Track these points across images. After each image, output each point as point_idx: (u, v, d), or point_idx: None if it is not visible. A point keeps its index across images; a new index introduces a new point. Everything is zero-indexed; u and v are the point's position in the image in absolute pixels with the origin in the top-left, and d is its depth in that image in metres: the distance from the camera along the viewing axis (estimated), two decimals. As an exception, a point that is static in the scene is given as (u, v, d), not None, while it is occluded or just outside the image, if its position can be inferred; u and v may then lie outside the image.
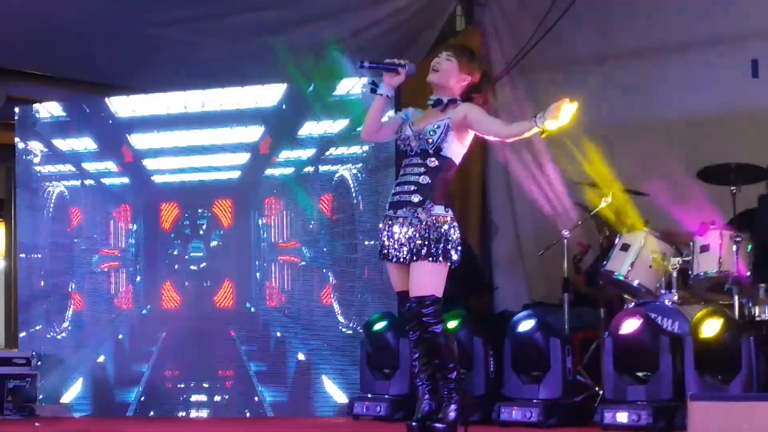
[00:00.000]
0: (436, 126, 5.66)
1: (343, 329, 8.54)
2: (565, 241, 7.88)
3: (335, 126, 8.73)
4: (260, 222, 8.99)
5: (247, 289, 9.01)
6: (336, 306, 8.64)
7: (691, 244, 7.35)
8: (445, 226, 5.60)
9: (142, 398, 9.00)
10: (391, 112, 6.23)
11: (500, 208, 9.92)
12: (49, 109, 9.52)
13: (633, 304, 7.44)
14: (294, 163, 8.90)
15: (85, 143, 9.43)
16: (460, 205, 9.18)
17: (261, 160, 8.98)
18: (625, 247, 7.52)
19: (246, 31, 9.05)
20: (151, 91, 9.23)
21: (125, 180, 9.37)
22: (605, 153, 8.17)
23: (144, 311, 9.20)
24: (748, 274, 7.12)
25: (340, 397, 8.41)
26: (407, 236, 5.61)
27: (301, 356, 8.71)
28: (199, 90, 9.04)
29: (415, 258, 5.59)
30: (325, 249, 8.73)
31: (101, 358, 9.21)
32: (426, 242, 5.57)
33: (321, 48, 8.35)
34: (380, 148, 8.40)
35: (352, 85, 8.47)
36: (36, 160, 9.53)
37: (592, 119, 8.13)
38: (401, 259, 5.64)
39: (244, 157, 9.05)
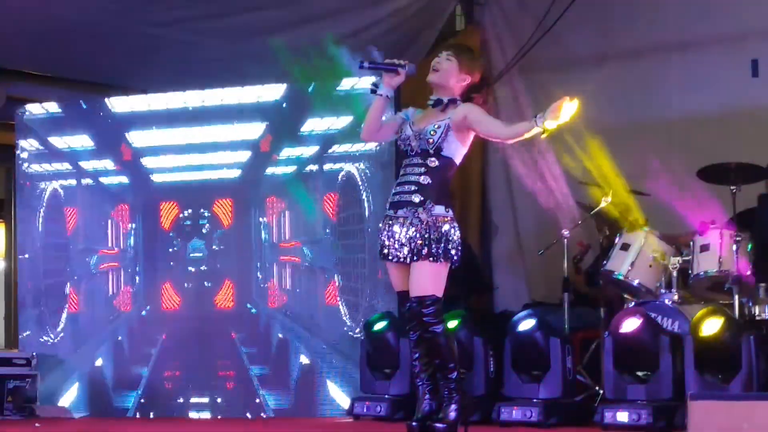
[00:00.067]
0: (436, 126, 5.66)
1: (350, 332, 8.42)
2: (565, 240, 7.88)
3: (339, 122, 8.63)
4: (261, 221, 8.93)
5: (247, 290, 8.95)
6: (343, 308, 8.55)
7: (692, 243, 7.36)
8: (446, 226, 5.60)
9: (142, 400, 8.94)
10: (391, 111, 6.23)
11: (500, 207, 9.92)
12: (46, 107, 9.47)
13: (633, 303, 7.44)
14: (296, 161, 8.82)
15: (83, 141, 9.35)
16: (460, 205, 9.18)
17: (262, 158, 8.90)
18: (625, 247, 7.53)
19: (246, 31, 9.05)
20: (151, 91, 9.22)
21: (124, 179, 9.31)
22: (605, 152, 8.18)
23: (143, 312, 9.15)
24: (749, 273, 7.12)
25: (346, 402, 8.27)
26: (408, 236, 5.61)
27: (304, 359, 8.65)
28: (199, 90, 9.02)
29: (415, 258, 5.59)
30: (329, 249, 8.65)
31: (99, 362, 9.16)
32: (426, 242, 5.57)
33: (321, 47, 8.35)
34: (391, 144, 8.31)
35: (357, 80, 8.32)
36: (35, 160, 9.49)
37: (592, 119, 8.14)
38: (402, 259, 5.64)
39: (244, 155, 8.97)
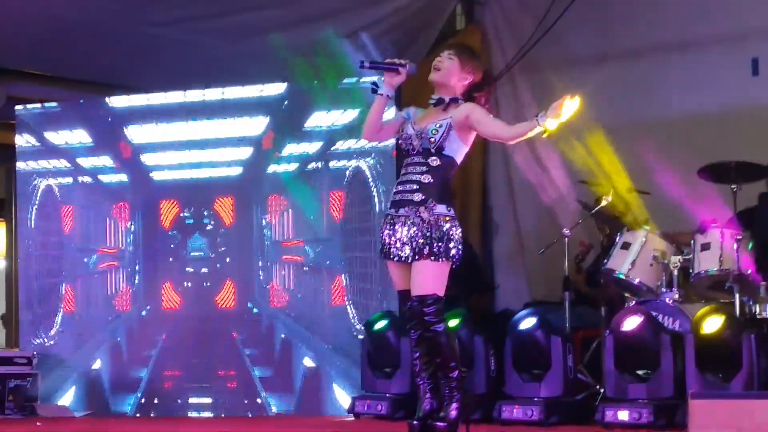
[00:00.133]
0: (438, 125, 5.66)
1: (360, 336, 8.24)
2: (566, 239, 7.88)
3: (345, 117, 8.54)
4: (263, 220, 8.85)
5: (249, 290, 8.87)
6: (351, 310, 8.46)
7: (692, 242, 7.36)
8: (447, 225, 5.60)
9: (143, 400, 8.88)
10: (392, 111, 6.23)
11: (501, 206, 9.93)
12: (44, 104, 9.42)
13: (634, 302, 7.44)
14: (299, 157, 8.72)
15: (81, 138, 9.28)
16: (461, 204, 9.17)
17: (264, 155, 8.82)
18: (626, 246, 7.53)
19: (246, 30, 9.05)
20: (152, 90, 9.21)
21: (123, 177, 9.22)
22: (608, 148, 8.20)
23: (143, 312, 9.08)
24: (749, 271, 7.12)
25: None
26: (409, 235, 5.61)
27: (308, 362, 8.57)
28: (200, 90, 9.00)
29: (417, 257, 5.59)
30: (335, 248, 8.56)
31: (97, 363, 9.09)
32: (428, 241, 5.57)
33: (322, 46, 8.35)
34: (399, 140, 8.20)
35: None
36: (32, 157, 9.41)
37: (592, 118, 8.16)
38: (403, 258, 5.64)
39: (246, 152, 8.89)
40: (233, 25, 9.03)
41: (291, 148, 8.77)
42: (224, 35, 9.08)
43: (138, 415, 8.86)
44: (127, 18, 8.79)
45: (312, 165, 8.69)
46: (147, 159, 9.15)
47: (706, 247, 7.25)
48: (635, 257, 7.47)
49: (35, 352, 8.90)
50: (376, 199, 8.35)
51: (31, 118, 9.45)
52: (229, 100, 8.91)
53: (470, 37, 9.70)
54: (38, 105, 9.46)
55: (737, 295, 7.11)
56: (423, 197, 5.61)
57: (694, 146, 8.44)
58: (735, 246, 7.12)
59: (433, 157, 5.65)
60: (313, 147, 8.70)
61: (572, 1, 9.07)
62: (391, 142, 7.97)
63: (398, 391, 7.68)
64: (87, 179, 9.31)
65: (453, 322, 7.24)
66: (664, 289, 7.36)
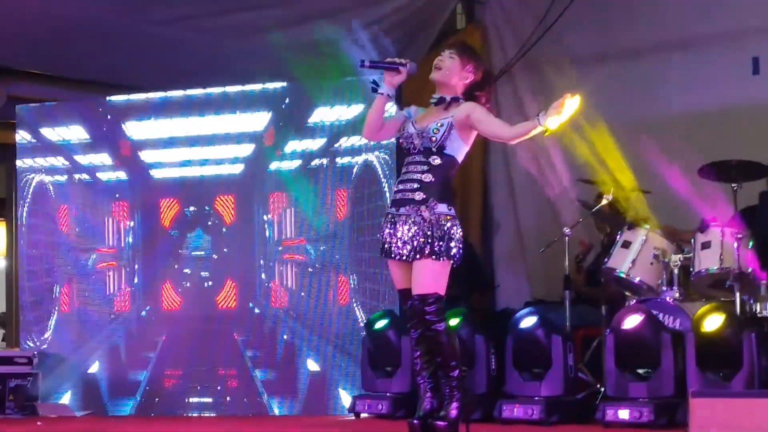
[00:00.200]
0: (439, 124, 5.66)
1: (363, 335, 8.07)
2: (566, 238, 7.88)
3: (349, 112, 8.45)
4: (264, 218, 8.77)
5: (250, 289, 8.79)
6: (359, 311, 8.36)
7: (693, 240, 7.36)
8: (448, 224, 5.60)
9: (143, 401, 8.80)
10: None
11: (501, 205, 9.93)
12: (43, 101, 9.36)
13: (634, 301, 7.44)
14: (302, 154, 8.64)
15: (80, 136, 9.20)
16: (462, 203, 9.18)
17: (266, 152, 8.74)
18: (627, 244, 7.52)
19: (246, 29, 9.05)
20: (153, 90, 9.19)
21: (122, 175, 9.14)
22: (602, 157, 8.20)
23: (143, 313, 9.00)
24: (750, 269, 7.12)
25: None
26: (410, 234, 5.61)
27: (313, 364, 8.49)
28: (201, 89, 8.96)
29: (418, 256, 5.59)
30: (340, 246, 8.47)
31: (95, 366, 9.00)
32: (429, 240, 5.57)
33: (322, 45, 8.34)
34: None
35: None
36: (29, 153, 9.33)
37: (593, 117, 8.16)
38: (404, 257, 5.64)
39: (247, 149, 8.80)
40: (233, 24, 9.03)
41: (293, 145, 8.67)
42: (224, 34, 9.08)
43: (137, 417, 8.80)
44: (128, 17, 8.79)
45: (315, 162, 8.61)
46: (146, 156, 9.06)
47: (706, 245, 7.25)
48: (636, 256, 7.47)
49: (35, 352, 8.88)
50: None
51: (31, 116, 9.39)
52: (229, 95, 8.82)
53: (470, 36, 9.71)
54: (40, 107, 9.44)
55: (738, 294, 7.10)
56: (424, 196, 5.61)
57: (695, 145, 8.44)
58: (735, 244, 7.12)
59: (434, 156, 5.65)
60: (316, 143, 8.60)
61: (572, 0, 9.07)
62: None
63: (399, 390, 7.67)
64: (85, 177, 9.22)
65: (453, 321, 7.24)
66: (664, 288, 7.35)
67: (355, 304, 8.43)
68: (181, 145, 8.97)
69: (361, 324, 8.29)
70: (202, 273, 8.91)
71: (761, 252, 7.20)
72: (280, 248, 8.75)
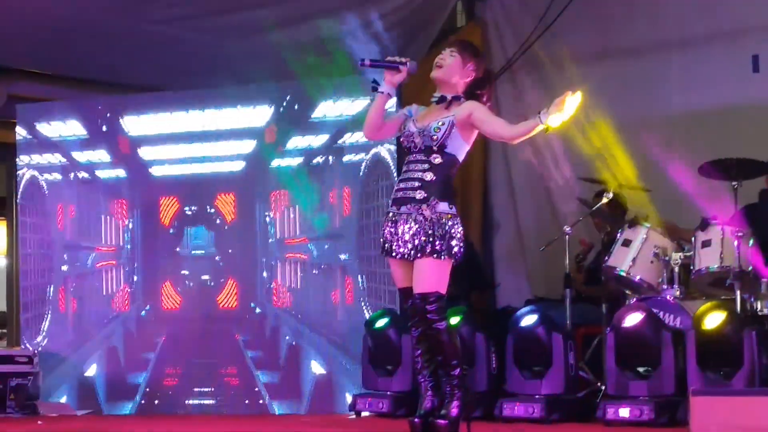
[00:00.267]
0: (440, 123, 5.66)
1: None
2: (567, 237, 7.89)
3: (355, 106, 8.36)
4: (266, 217, 8.70)
5: (252, 289, 8.72)
6: (367, 313, 8.25)
7: (693, 239, 7.35)
8: (450, 223, 5.60)
9: (143, 401, 8.75)
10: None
11: (501, 204, 9.93)
12: (43, 100, 9.30)
13: (635, 299, 7.44)
14: (304, 151, 8.54)
15: (78, 132, 9.13)
16: (462, 202, 9.16)
17: (267, 149, 8.66)
18: (627, 243, 7.52)
19: (246, 29, 9.04)
20: (153, 89, 9.17)
21: (121, 172, 9.06)
22: (604, 152, 8.20)
23: (142, 312, 8.93)
24: (750, 268, 7.12)
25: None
26: (411, 233, 5.61)
27: (317, 367, 8.40)
28: (200, 89, 8.93)
29: (419, 255, 5.58)
30: (346, 245, 8.37)
31: (93, 368, 8.93)
32: (430, 239, 5.57)
33: (322, 44, 8.34)
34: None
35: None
36: (25, 150, 9.28)
37: (593, 116, 8.17)
38: (405, 256, 5.64)
39: (248, 146, 8.71)
40: (233, 24, 9.02)
41: (296, 141, 8.58)
42: (224, 34, 9.07)
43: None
44: (127, 16, 8.78)
45: (318, 158, 8.51)
46: (146, 153, 8.98)
47: (707, 243, 7.24)
48: (636, 254, 7.46)
49: (36, 351, 8.86)
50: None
51: (31, 115, 9.32)
52: (230, 90, 8.75)
53: (471, 34, 9.70)
54: (38, 103, 9.42)
55: (738, 292, 7.10)
56: (425, 195, 5.61)
57: (695, 143, 8.44)
58: (736, 243, 7.12)
59: (435, 155, 5.65)
60: (319, 140, 8.50)
61: (572, -2, 9.09)
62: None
63: (399, 389, 7.67)
64: (85, 175, 9.14)
65: (454, 320, 7.24)
66: (665, 286, 7.35)
67: (363, 305, 8.34)
68: (181, 142, 8.87)
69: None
70: (203, 272, 8.85)
71: (763, 250, 7.19)
72: (282, 247, 8.68)
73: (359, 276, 8.36)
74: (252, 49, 8.99)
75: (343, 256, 8.45)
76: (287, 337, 8.59)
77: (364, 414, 7.77)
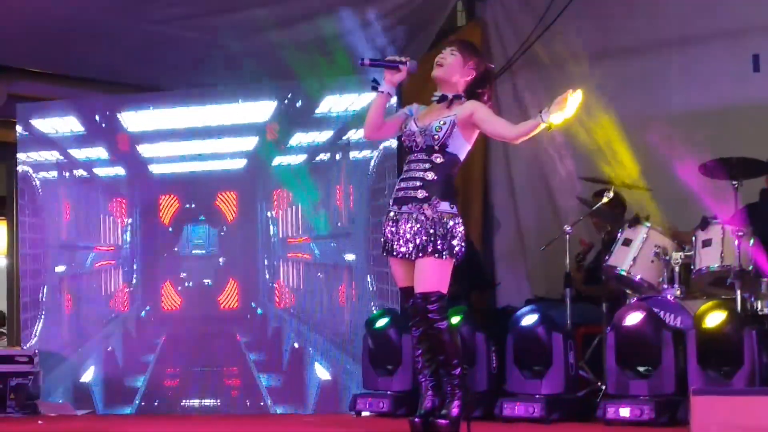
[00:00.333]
0: (442, 122, 5.66)
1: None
2: (567, 236, 7.88)
3: (361, 100, 8.20)
4: (268, 216, 8.60)
5: (253, 289, 8.63)
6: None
7: (694, 238, 7.35)
8: (451, 222, 5.60)
9: (141, 405, 8.66)
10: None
11: (502, 203, 9.92)
12: (43, 99, 9.24)
13: (635, 298, 7.44)
14: (307, 148, 8.42)
15: (76, 128, 9.04)
16: (462, 201, 9.16)
17: (269, 146, 8.55)
18: (627, 242, 7.52)
19: (245, 28, 9.03)
20: (154, 89, 9.15)
21: (120, 170, 8.97)
22: (606, 148, 8.20)
23: (142, 313, 8.84)
24: (750, 267, 7.11)
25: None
26: (413, 232, 5.61)
27: (322, 371, 8.31)
28: (201, 89, 8.88)
29: (420, 254, 5.59)
30: (352, 244, 8.26)
31: (91, 370, 8.86)
32: (432, 238, 5.57)
33: (322, 44, 8.33)
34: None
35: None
36: (33, 156, 9.21)
37: (593, 115, 8.16)
38: (406, 255, 5.64)
39: (250, 143, 8.60)
40: (233, 23, 9.02)
41: (299, 138, 8.46)
42: (224, 33, 9.07)
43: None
44: (127, 16, 8.78)
45: (323, 155, 8.40)
46: (145, 151, 8.88)
47: (707, 243, 7.24)
48: (637, 254, 7.46)
49: (36, 350, 8.83)
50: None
51: (31, 114, 9.25)
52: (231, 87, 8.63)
53: (471, 33, 9.70)
54: (37, 102, 9.40)
55: (739, 292, 7.10)
56: (426, 194, 5.61)
57: (695, 142, 8.42)
58: (736, 242, 7.12)
59: (437, 155, 5.64)
60: (323, 136, 8.39)
61: (572, -3, 9.09)
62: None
63: (400, 389, 7.67)
64: (83, 173, 9.05)
65: (454, 319, 7.24)
66: (665, 286, 7.35)
67: (373, 307, 8.22)
68: (181, 139, 8.77)
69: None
70: (203, 272, 8.74)
71: (766, 248, 7.19)
72: (285, 246, 8.58)
73: (368, 276, 8.27)
74: (252, 48, 8.99)
75: (350, 256, 8.36)
76: (290, 340, 8.50)
77: (365, 414, 7.76)
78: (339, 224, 8.39)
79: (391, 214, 5.71)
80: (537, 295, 9.03)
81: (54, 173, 9.18)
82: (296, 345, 8.50)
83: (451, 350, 5.63)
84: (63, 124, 9.16)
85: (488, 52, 9.62)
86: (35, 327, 9.07)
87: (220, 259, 8.78)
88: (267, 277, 8.63)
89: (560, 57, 9.22)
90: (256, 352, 8.60)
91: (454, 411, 5.64)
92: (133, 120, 8.94)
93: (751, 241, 7.16)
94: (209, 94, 8.79)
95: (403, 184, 5.70)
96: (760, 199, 7.80)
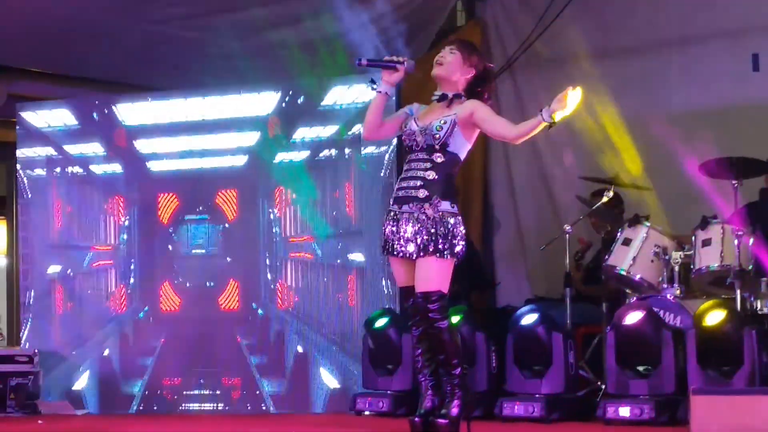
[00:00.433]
0: (442, 121, 5.66)
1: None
2: (567, 236, 7.88)
3: (369, 93, 8.04)
4: (270, 214, 8.49)
5: (255, 290, 8.52)
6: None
7: (693, 238, 7.35)
8: (452, 222, 5.60)
9: (138, 409, 8.57)
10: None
11: (502, 203, 9.93)
12: (43, 99, 9.17)
13: (635, 298, 7.44)
14: (311, 143, 8.27)
15: (74, 128, 8.95)
16: (462, 200, 9.16)
17: (271, 142, 8.41)
18: (627, 242, 7.52)
19: (244, 28, 9.03)
20: (154, 88, 9.14)
21: (117, 168, 8.84)
22: (604, 148, 8.20)
23: (140, 314, 8.74)
24: (750, 267, 7.11)
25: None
26: (414, 232, 5.61)
27: (328, 376, 8.18)
28: (200, 89, 8.84)
29: (422, 254, 5.59)
30: (360, 243, 8.13)
31: (83, 378, 8.77)
32: (433, 238, 5.57)
33: (321, 44, 8.32)
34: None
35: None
36: (32, 155, 9.10)
37: (593, 114, 8.16)
38: (407, 255, 5.64)
39: (251, 138, 8.46)
40: (232, 23, 9.02)
41: (303, 132, 8.29)
42: (223, 32, 9.07)
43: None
44: (127, 16, 8.78)
45: (330, 151, 8.29)
46: (143, 147, 8.74)
47: (707, 242, 7.25)
48: (636, 253, 7.47)
49: (36, 350, 8.81)
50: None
51: (30, 114, 9.18)
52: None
53: (471, 33, 9.71)
54: (37, 102, 9.40)
55: (738, 291, 7.10)
56: (427, 194, 5.61)
57: (695, 142, 8.43)
58: (736, 242, 7.12)
59: (438, 154, 5.65)
60: (328, 130, 8.22)
61: (572, -3, 9.09)
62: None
63: (400, 388, 7.67)
64: (80, 171, 8.94)
65: (455, 319, 7.23)
66: (665, 285, 7.35)
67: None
68: (180, 134, 8.63)
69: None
70: (203, 272, 8.63)
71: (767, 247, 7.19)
72: (286, 246, 8.44)
73: (383, 279, 8.09)
74: (252, 48, 8.99)
75: (361, 256, 8.21)
76: (293, 343, 8.38)
77: (365, 413, 7.76)
78: (351, 223, 8.25)
79: (392, 213, 5.71)
80: (537, 295, 9.03)
81: (51, 171, 9.09)
82: (300, 349, 8.41)
83: (451, 350, 5.63)
84: (62, 123, 9.08)
85: (488, 52, 9.63)
86: (23, 330, 9.01)
87: (221, 259, 8.65)
88: (269, 277, 8.51)
89: (560, 57, 9.23)
90: (257, 355, 8.49)
91: (454, 411, 5.64)
92: (130, 114, 8.81)
93: (751, 241, 7.16)
94: (210, 88, 8.63)
95: (403, 184, 5.70)
96: (760, 199, 7.80)
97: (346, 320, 8.26)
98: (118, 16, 8.74)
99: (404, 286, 5.76)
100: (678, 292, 7.29)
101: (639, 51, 9.13)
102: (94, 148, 8.94)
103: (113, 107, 8.83)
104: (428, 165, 5.65)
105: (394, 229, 5.68)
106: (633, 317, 6.93)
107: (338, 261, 8.27)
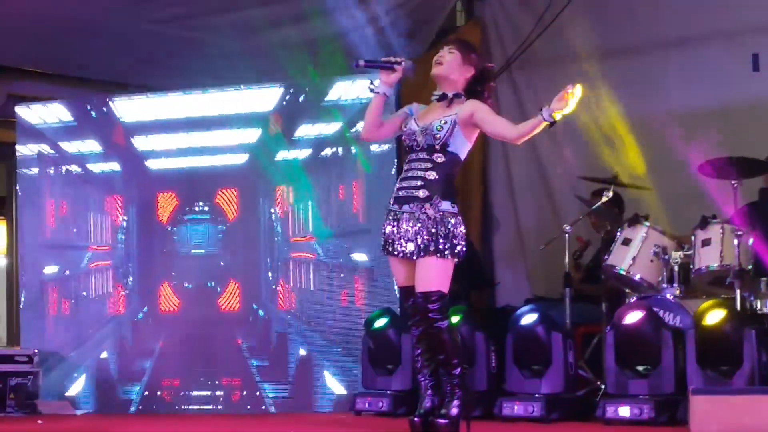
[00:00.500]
0: (443, 121, 5.66)
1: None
2: (566, 235, 7.89)
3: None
4: (271, 214, 8.41)
5: (255, 291, 8.45)
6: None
7: (693, 238, 7.35)
8: (453, 222, 5.61)
9: (137, 411, 8.52)
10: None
11: (501, 203, 9.93)
12: (42, 99, 9.12)
13: (635, 298, 7.44)
14: (314, 141, 8.19)
15: (72, 126, 8.89)
16: (462, 201, 9.14)
17: (272, 139, 8.33)
18: (627, 242, 7.52)
19: (243, 28, 9.03)
20: (154, 88, 9.14)
21: (115, 166, 8.75)
22: (606, 147, 8.20)
23: (139, 315, 8.67)
24: (750, 267, 7.11)
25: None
26: (414, 231, 5.61)
27: (332, 380, 8.13)
28: (200, 90, 8.83)
29: (422, 254, 5.59)
30: (364, 242, 8.02)
31: (80, 382, 8.73)
32: (434, 238, 5.58)
33: (321, 44, 8.32)
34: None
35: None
36: (32, 155, 9.04)
37: (592, 114, 8.16)
38: (407, 255, 5.64)
39: (252, 136, 8.37)
40: (232, 23, 9.02)
41: (305, 130, 8.19)
42: (223, 32, 9.07)
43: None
44: (127, 16, 8.78)
45: (335, 148, 8.18)
46: (141, 145, 8.66)
47: (707, 242, 7.25)
48: (636, 253, 7.47)
49: (36, 350, 8.79)
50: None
51: (30, 113, 9.12)
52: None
53: (470, 33, 9.70)
54: (37, 102, 9.39)
55: (738, 291, 7.10)
56: (428, 194, 5.61)
57: (695, 142, 8.43)
58: (736, 242, 7.12)
59: (438, 154, 5.65)
60: (331, 128, 8.12)
61: (571, -3, 9.09)
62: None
63: (399, 388, 7.67)
64: (77, 169, 8.87)
65: (454, 319, 7.23)
66: (665, 285, 7.35)
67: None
68: (179, 131, 8.55)
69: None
70: (203, 273, 8.55)
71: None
72: (288, 246, 8.36)
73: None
74: (252, 48, 8.99)
75: (367, 256, 8.12)
76: (296, 345, 8.30)
77: (364, 413, 7.76)
78: (357, 221, 8.16)
79: (392, 213, 5.71)
80: (536, 295, 9.03)
81: (47, 169, 9.02)
82: (303, 351, 8.33)
83: (451, 350, 5.64)
84: (62, 122, 9.02)
85: (487, 52, 9.63)
86: (38, 321, 8.95)
87: (221, 259, 8.59)
88: (270, 277, 8.45)
89: (559, 56, 9.23)
90: (258, 357, 8.42)
91: (454, 410, 5.64)
92: (128, 110, 8.73)
93: (751, 241, 7.16)
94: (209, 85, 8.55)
95: (404, 184, 5.70)
96: (760, 199, 7.80)
97: (353, 321, 8.19)
98: (117, 16, 8.74)
99: (404, 286, 5.77)
100: (678, 291, 7.29)
101: (639, 51, 9.12)
102: (91, 146, 8.88)
103: (110, 103, 8.77)
104: (429, 165, 5.65)
105: (394, 228, 5.69)
106: (633, 317, 6.93)
107: (341, 260, 8.20)
